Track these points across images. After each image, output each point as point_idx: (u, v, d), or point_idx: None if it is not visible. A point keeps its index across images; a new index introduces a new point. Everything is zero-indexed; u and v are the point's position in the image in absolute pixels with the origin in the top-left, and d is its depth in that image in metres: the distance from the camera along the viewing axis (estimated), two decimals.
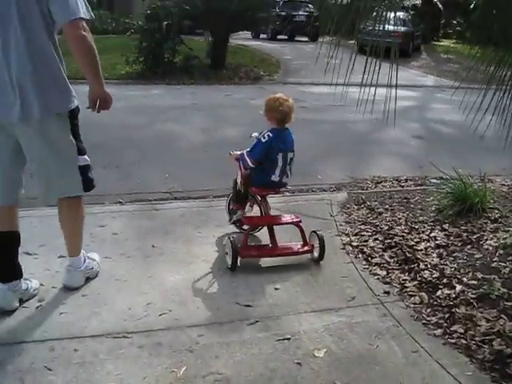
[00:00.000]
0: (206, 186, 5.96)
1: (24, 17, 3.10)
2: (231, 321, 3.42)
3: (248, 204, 4.51)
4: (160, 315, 3.45)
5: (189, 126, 9.27)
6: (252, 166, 4.18)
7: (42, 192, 3.49)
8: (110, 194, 5.48)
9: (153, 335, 3.24)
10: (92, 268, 3.85)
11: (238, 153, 4.33)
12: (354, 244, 4.59)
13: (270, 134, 4.11)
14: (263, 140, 4.11)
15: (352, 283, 3.95)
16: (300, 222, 4.32)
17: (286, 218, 4.42)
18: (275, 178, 4.20)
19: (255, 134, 4.36)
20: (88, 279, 3.83)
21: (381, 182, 6.69)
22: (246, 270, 4.05)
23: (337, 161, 7.60)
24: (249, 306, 3.59)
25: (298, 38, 27.91)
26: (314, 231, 4.32)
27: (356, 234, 4.79)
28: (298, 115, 10.06)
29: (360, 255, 4.40)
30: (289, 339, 3.26)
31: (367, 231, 4.85)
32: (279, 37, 27.39)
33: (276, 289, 3.82)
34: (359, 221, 5.11)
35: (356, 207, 5.48)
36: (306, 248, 4.25)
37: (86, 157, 3.51)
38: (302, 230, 4.28)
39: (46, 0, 3.11)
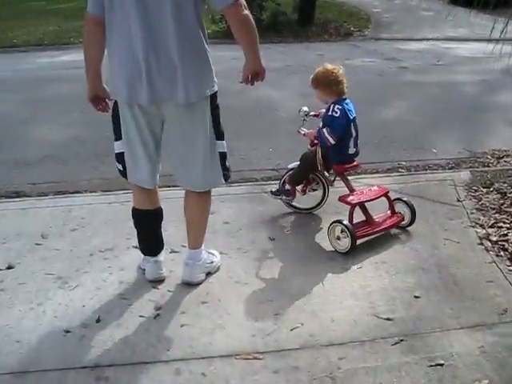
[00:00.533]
0: None
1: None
2: (373, 339, 3.00)
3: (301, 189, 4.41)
4: (292, 330, 3.06)
5: (286, 91, 8.78)
6: (333, 143, 3.99)
7: (186, 182, 3.36)
8: None
9: (287, 356, 2.87)
10: (212, 262, 3.58)
11: (313, 131, 4.19)
12: (493, 239, 4.05)
13: (339, 107, 3.96)
14: (336, 115, 3.96)
15: (500, 290, 3.45)
16: (388, 192, 4.17)
17: (376, 191, 4.20)
18: (351, 150, 4.13)
19: (305, 109, 4.34)
20: (207, 277, 3.55)
21: (503, 157, 6.06)
22: (376, 269, 3.63)
23: (450, 131, 6.94)
24: (389, 319, 3.16)
25: None
26: (398, 198, 4.21)
27: (492, 226, 4.25)
28: (399, 77, 9.70)
29: (502, 253, 3.87)
30: (442, 365, 2.81)
31: (504, 222, 4.30)
32: None
33: (416, 297, 3.37)
34: (492, 208, 4.55)
35: (484, 190, 4.92)
36: (400, 218, 4.11)
37: (224, 142, 3.30)
38: (390, 200, 4.14)
39: None
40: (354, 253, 3.80)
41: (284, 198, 4.43)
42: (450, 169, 5.70)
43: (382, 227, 4.01)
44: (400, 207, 4.15)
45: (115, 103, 3.16)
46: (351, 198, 4.04)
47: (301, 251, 3.87)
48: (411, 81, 9.31)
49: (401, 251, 3.86)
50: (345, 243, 3.80)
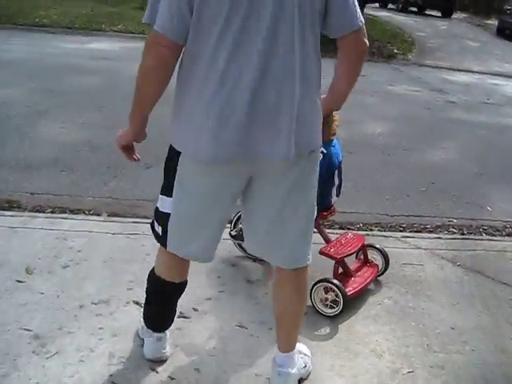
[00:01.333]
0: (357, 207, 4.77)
1: (305, 15, 2.09)
2: None
3: None
4: None
5: None
6: None
7: (278, 256, 2.46)
8: None
9: None
10: (305, 366, 2.73)
11: None
12: None
13: (325, 151, 3.23)
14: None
15: None
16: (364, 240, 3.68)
17: (354, 240, 3.61)
18: (334, 198, 3.54)
19: None
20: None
21: None
22: (431, 376, 2.87)
23: (505, 185, 6.16)
24: None
25: (428, 12, 25.97)
26: (370, 245, 3.71)
27: None
28: (447, 113, 8.90)
29: None
30: None
31: None
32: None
33: None
34: None
35: None
36: (376, 268, 3.64)
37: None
38: (365, 249, 3.66)
39: None
40: (404, 350, 3.05)
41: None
42: (508, 235, 4.96)
43: (367, 281, 3.47)
44: (370, 253, 3.69)
45: (172, 149, 2.29)
46: (333, 250, 3.43)
47: (340, 337, 3.12)
48: (460, 119, 8.56)
49: (460, 351, 3.11)
50: (335, 305, 3.22)
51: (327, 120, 3.12)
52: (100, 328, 2.96)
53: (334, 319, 3.22)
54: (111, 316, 3.06)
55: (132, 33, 13.53)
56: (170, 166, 2.32)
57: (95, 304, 3.15)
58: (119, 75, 8.67)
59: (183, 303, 3.12)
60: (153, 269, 2.64)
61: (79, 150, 5.74)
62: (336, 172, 3.44)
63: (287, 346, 2.59)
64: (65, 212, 4.39)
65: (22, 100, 7.25)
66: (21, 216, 4.14)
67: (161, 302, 2.72)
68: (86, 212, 4.42)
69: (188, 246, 2.40)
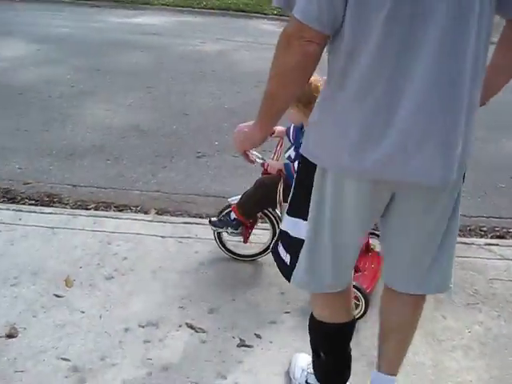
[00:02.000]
0: None
1: (484, 8, 1.58)
2: None
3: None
4: None
5: None
6: None
7: (430, 283, 2.04)
8: None
9: None
10: None
11: (276, 163, 3.02)
12: None
13: None
14: None
15: None
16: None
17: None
18: None
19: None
20: None
21: None
22: None
23: None
24: None
25: None
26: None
27: None
28: None
29: None
30: None
31: None
32: None
33: None
34: None
35: None
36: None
37: None
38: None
39: None
40: None
41: (230, 230, 3.20)
42: None
43: (378, 272, 3.03)
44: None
45: (308, 163, 1.85)
46: None
47: (427, 373, 2.65)
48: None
49: None
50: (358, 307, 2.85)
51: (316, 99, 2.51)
52: (148, 359, 2.54)
53: (418, 348, 2.73)
54: (161, 343, 2.65)
55: (180, 6, 13.05)
56: (304, 183, 1.88)
57: (143, 327, 2.74)
58: (167, 52, 8.22)
59: (243, 327, 2.72)
60: (311, 315, 2.19)
61: (126, 135, 5.33)
62: None
63: (391, 367, 2.20)
64: (109, 208, 4.00)
65: (65, 79, 6.90)
66: (61, 214, 3.75)
67: (337, 352, 2.27)
68: (133, 208, 4.03)
69: (326, 275, 1.97)
